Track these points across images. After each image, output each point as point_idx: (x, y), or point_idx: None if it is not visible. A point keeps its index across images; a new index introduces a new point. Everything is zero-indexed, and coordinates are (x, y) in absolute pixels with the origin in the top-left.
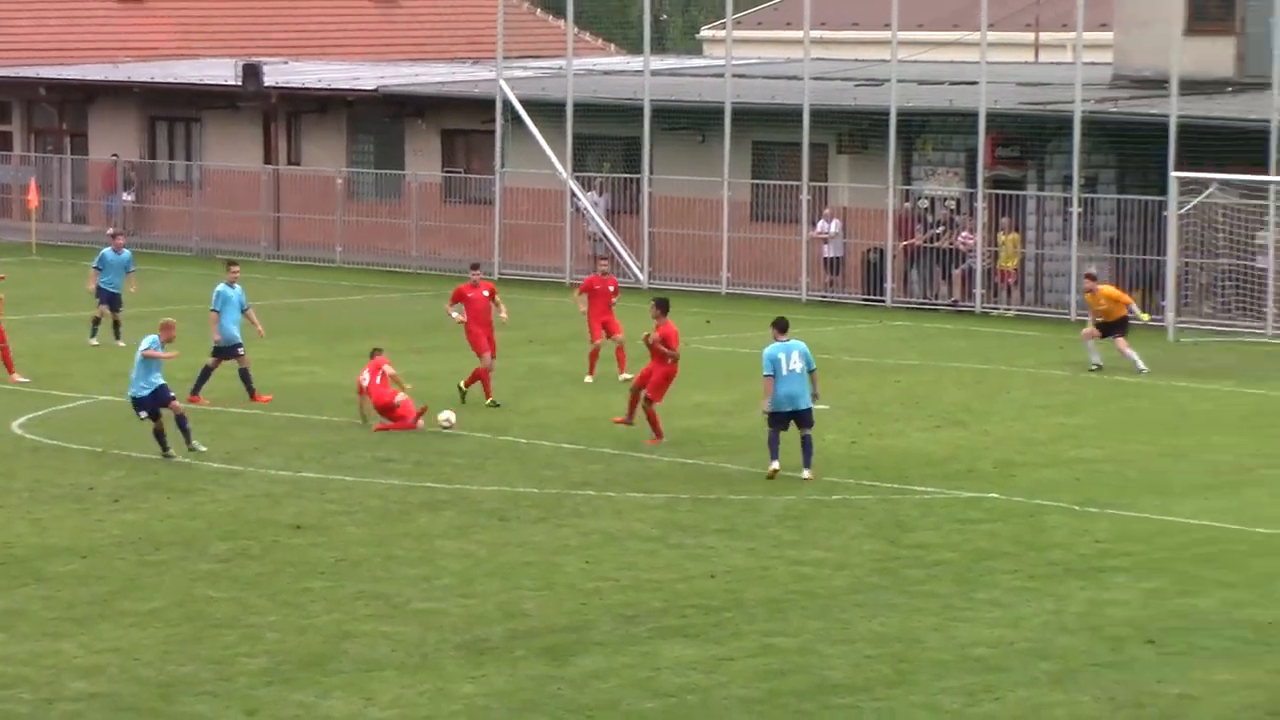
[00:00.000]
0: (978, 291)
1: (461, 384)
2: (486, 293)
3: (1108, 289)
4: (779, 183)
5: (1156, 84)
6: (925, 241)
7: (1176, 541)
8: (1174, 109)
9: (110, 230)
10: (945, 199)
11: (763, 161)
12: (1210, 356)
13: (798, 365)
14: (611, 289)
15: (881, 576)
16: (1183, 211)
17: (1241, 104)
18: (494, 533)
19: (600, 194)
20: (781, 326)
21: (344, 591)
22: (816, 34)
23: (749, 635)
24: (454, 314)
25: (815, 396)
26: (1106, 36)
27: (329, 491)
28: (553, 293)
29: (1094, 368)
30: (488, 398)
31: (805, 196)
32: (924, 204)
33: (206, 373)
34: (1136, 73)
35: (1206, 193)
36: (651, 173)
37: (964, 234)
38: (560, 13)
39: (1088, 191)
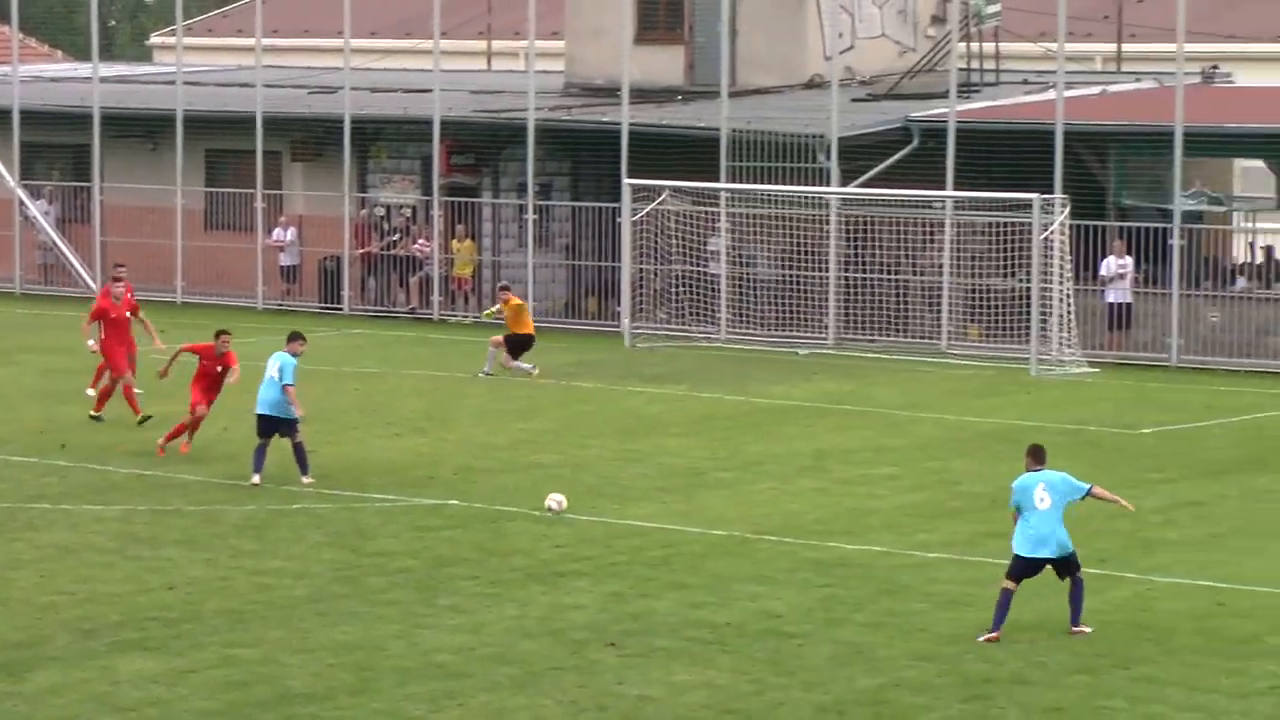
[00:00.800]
0: (435, 299)
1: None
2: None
3: (516, 301)
4: (233, 190)
5: (609, 92)
6: (382, 249)
7: (633, 545)
8: (625, 117)
9: None
10: (401, 207)
11: (216, 169)
12: (665, 361)
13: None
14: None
15: (343, 585)
16: (636, 218)
17: (692, 112)
18: None
19: (50, 202)
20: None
21: None
22: (269, 41)
23: (209, 646)
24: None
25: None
26: (559, 45)
27: None
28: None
29: (484, 375)
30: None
31: (260, 204)
32: (380, 212)
33: None
34: (588, 81)
35: (659, 200)
36: (102, 181)
37: (420, 241)
38: (4, 18)
39: (542, 199)
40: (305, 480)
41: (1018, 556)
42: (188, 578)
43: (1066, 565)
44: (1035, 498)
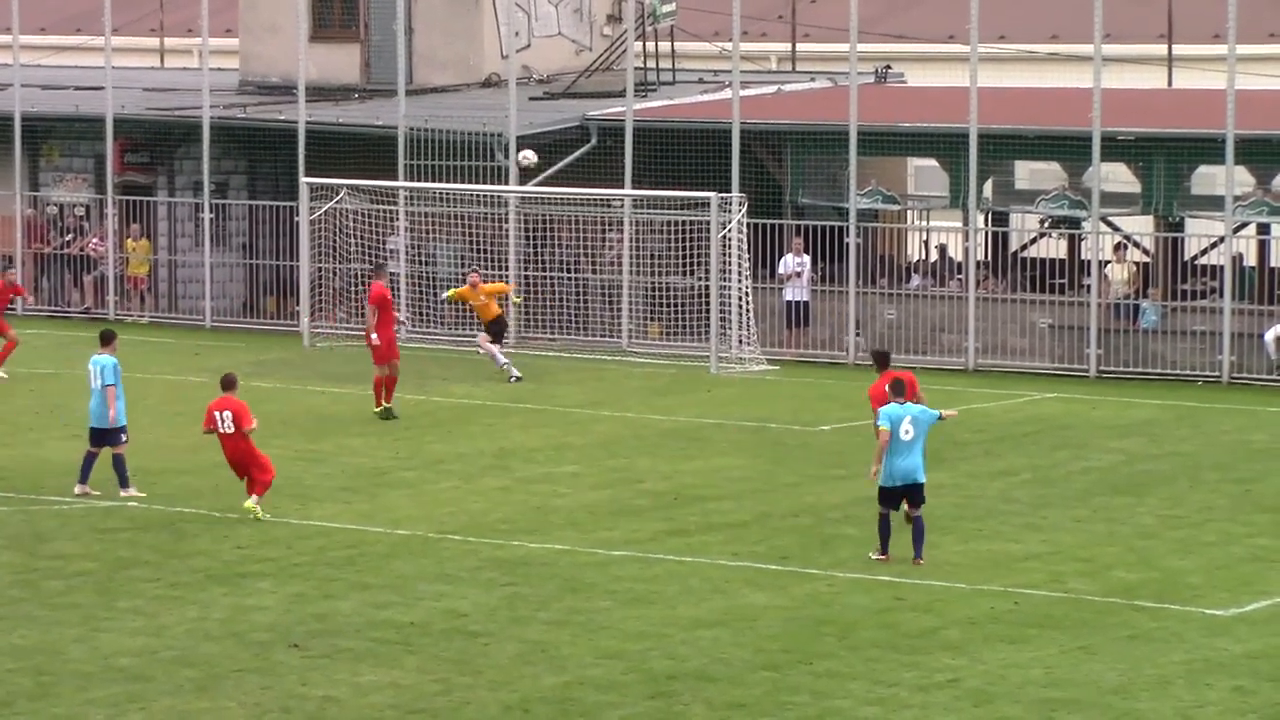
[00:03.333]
0: (110, 298)
1: None
2: None
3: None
4: None
5: (285, 90)
6: (56, 248)
7: (317, 545)
8: (302, 115)
9: None
10: (74, 205)
11: None
12: (345, 361)
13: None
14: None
15: (21, 589)
16: (314, 217)
17: (369, 110)
18: None
19: None
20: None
21: None
22: None
23: None
24: None
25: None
26: (233, 43)
27: None
28: None
29: (515, 378)
30: None
31: None
32: (53, 210)
33: None
34: (263, 79)
35: (337, 198)
36: None
37: (94, 240)
38: None
39: (219, 197)
40: (123, 493)
41: (883, 489)
42: None
43: (919, 493)
44: (901, 430)
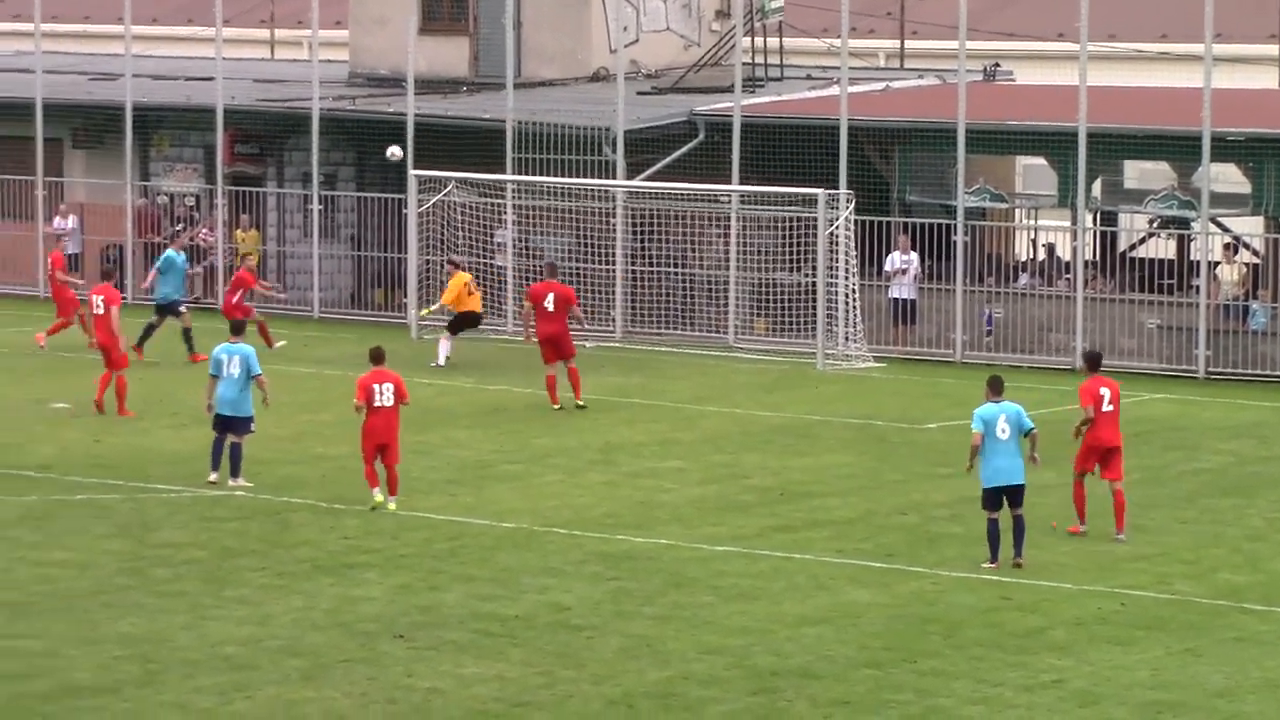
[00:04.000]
0: (220, 289)
1: None
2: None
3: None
4: (13, 178)
5: (394, 82)
6: (165, 238)
7: (422, 537)
8: (410, 107)
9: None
10: (184, 196)
11: None
12: (452, 353)
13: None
14: None
15: (129, 577)
16: (422, 209)
17: (477, 103)
18: None
19: None
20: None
21: None
22: (48, 27)
23: None
24: None
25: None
26: (343, 35)
27: None
28: None
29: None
30: None
31: (40, 192)
32: (163, 200)
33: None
34: (372, 71)
35: (445, 191)
36: None
37: (204, 231)
38: None
39: (327, 189)
40: (232, 483)
41: (986, 490)
42: None
43: (1019, 494)
44: (998, 428)
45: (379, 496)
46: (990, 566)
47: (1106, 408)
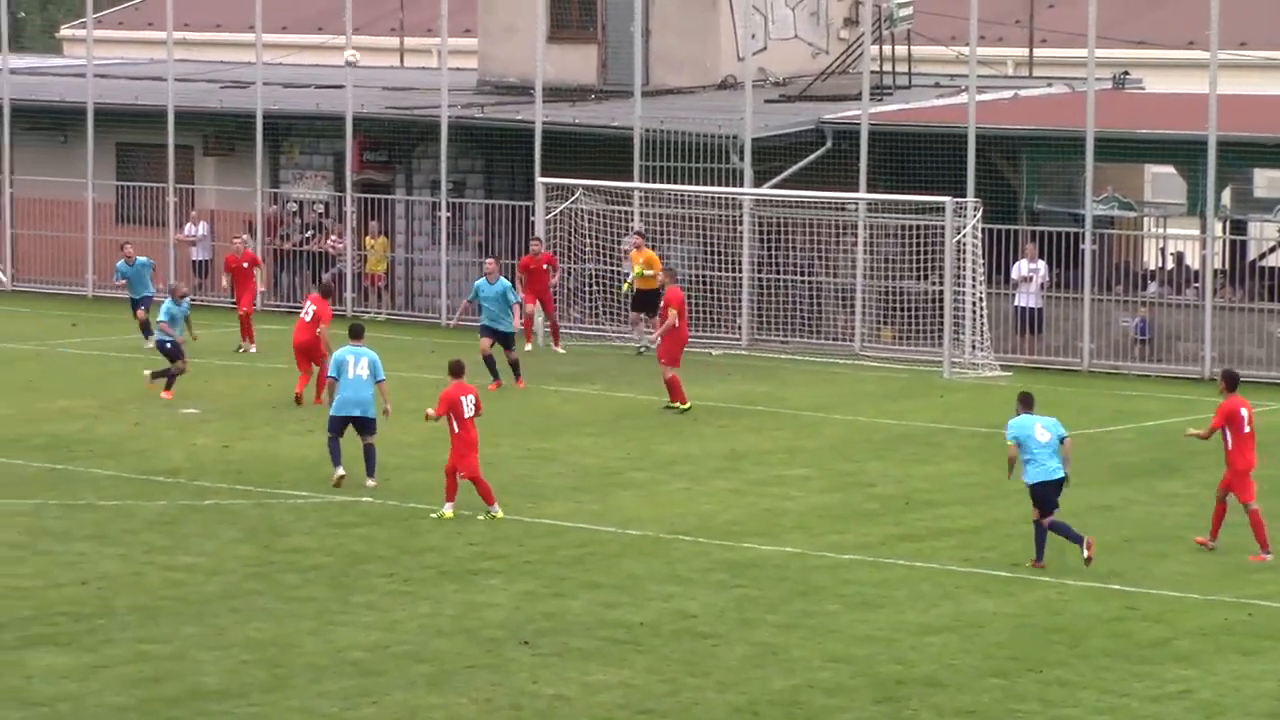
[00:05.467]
0: (349, 295)
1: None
2: None
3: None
4: (145, 184)
5: (522, 90)
6: (295, 245)
7: (547, 544)
8: (539, 115)
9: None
10: (314, 202)
11: (128, 163)
12: (578, 360)
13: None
14: None
15: (256, 581)
16: (549, 217)
17: (605, 111)
18: None
19: None
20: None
21: None
22: (180, 35)
23: (121, 642)
24: None
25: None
26: (471, 43)
27: None
28: None
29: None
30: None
31: (172, 199)
32: (293, 207)
33: None
34: (501, 79)
35: (573, 199)
36: (12, 174)
37: (333, 238)
38: None
39: (456, 196)
40: (370, 483)
41: (1033, 486)
42: (99, 573)
43: (1060, 490)
44: (1036, 433)
45: (449, 511)
46: (1037, 565)
47: (1246, 429)
